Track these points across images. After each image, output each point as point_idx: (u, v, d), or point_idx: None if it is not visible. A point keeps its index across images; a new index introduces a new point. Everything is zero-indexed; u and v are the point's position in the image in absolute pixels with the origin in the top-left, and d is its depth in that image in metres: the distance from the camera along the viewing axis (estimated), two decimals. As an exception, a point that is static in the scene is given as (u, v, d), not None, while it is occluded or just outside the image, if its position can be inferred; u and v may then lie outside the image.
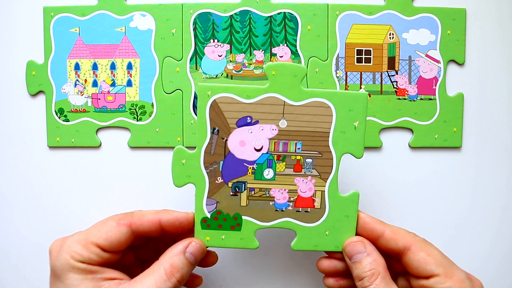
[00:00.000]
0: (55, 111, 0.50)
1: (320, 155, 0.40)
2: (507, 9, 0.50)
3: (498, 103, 0.51)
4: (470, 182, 0.51)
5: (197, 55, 0.50)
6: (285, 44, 0.49)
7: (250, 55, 0.50)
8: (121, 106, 0.50)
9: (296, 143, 0.40)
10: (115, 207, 0.50)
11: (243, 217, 0.40)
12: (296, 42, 0.49)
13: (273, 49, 0.50)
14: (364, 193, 0.50)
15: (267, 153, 0.40)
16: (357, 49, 0.50)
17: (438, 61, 0.50)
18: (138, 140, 0.50)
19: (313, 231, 0.40)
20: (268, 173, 0.40)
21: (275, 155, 0.40)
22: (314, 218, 0.40)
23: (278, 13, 0.49)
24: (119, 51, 0.50)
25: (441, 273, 0.37)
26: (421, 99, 0.50)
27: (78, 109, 0.50)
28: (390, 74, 0.50)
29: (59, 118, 0.50)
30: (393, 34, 0.50)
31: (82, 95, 0.50)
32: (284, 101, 0.39)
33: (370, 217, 0.40)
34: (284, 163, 0.40)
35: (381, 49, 0.50)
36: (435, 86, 0.50)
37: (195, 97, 0.50)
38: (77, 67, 0.50)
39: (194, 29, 0.49)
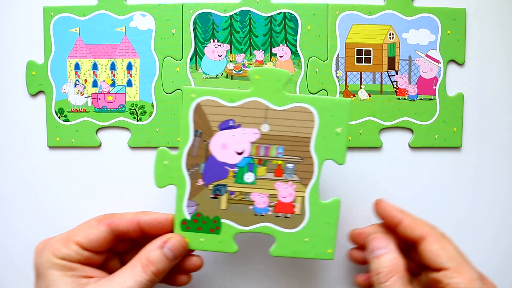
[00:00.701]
0: (55, 111, 0.50)
1: (302, 160, 0.40)
2: (507, 9, 0.50)
3: (498, 103, 0.51)
4: (470, 182, 0.51)
5: (197, 55, 0.50)
6: (285, 44, 0.49)
7: (250, 55, 0.50)
8: (121, 106, 0.50)
9: (277, 148, 0.40)
10: (115, 207, 0.50)
11: (223, 221, 0.40)
12: (296, 42, 0.49)
13: (273, 49, 0.50)
14: (364, 192, 0.50)
15: (248, 157, 0.40)
16: (357, 49, 0.50)
17: (438, 61, 0.50)
18: (138, 140, 0.50)
19: (292, 237, 0.40)
20: (249, 177, 0.40)
21: (256, 159, 0.40)
22: (293, 224, 0.40)
23: (278, 13, 0.49)
24: (119, 51, 0.50)
25: (451, 267, 0.36)
26: (421, 99, 0.50)
27: (78, 109, 0.50)
28: (390, 74, 0.50)
29: (59, 118, 0.50)
30: (393, 34, 0.50)
31: (82, 95, 0.50)
32: (267, 106, 0.39)
33: (390, 205, 0.41)
34: (265, 167, 0.40)
35: (381, 49, 0.50)
36: (435, 86, 0.50)
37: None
38: (77, 67, 0.50)
39: (194, 29, 0.49)
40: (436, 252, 0.37)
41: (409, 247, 0.40)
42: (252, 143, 0.40)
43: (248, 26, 0.49)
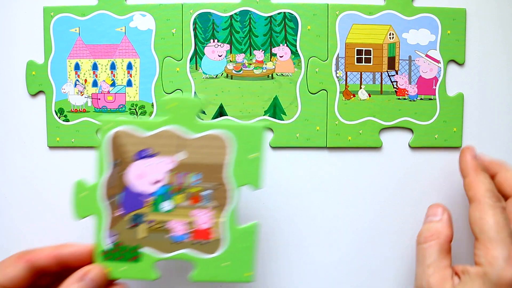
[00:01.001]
0: (55, 111, 0.50)
1: (219, 186, 0.40)
2: (507, 9, 0.50)
3: (498, 103, 0.51)
4: (470, 182, 0.51)
5: (197, 55, 0.50)
6: (285, 44, 0.49)
7: (250, 55, 0.50)
8: (121, 106, 0.50)
9: (194, 175, 0.40)
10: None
11: (143, 249, 0.40)
12: (296, 42, 0.49)
13: (273, 49, 0.50)
14: (364, 192, 0.51)
15: (165, 185, 0.40)
16: (357, 49, 0.50)
17: (438, 61, 0.50)
18: (138, 140, 0.50)
19: (211, 262, 0.40)
20: (166, 205, 0.40)
21: (174, 187, 0.40)
22: (212, 249, 0.40)
23: (278, 13, 0.49)
24: (119, 51, 0.50)
25: (481, 239, 0.38)
26: (421, 99, 0.50)
27: (78, 109, 0.50)
28: (390, 74, 0.50)
29: (59, 118, 0.50)
30: (393, 34, 0.50)
31: (82, 95, 0.50)
32: (183, 134, 0.39)
33: (466, 159, 0.44)
34: (183, 195, 0.40)
35: (381, 49, 0.50)
36: (435, 86, 0.50)
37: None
38: (77, 67, 0.50)
39: (194, 29, 0.49)
40: (474, 220, 0.39)
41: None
42: (169, 171, 0.40)
43: (248, 26, 0.49)
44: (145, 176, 0.40)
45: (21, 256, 0.38)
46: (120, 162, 0.40)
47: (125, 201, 0.40)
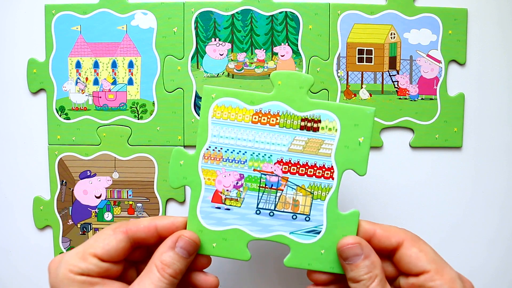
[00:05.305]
0: (56, 109, 0.50)
1: (148, 200, 0.48)
2: (508, 9, 0.50)
3: (498, 103, 0.51)
4: (470, 182, 0.51)
5: (199, 54, 0.49)
6: (287, 43, 0.49)
7: (252, 54, 0.50)
8: (122, 104, 0.50)
9: (127, 191, 0.49)
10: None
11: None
12: (297, 41, 0.49)
13: (274, 48, 0.50)
14: (364, 191, 0.51)
15: (105, 199, 0.49)
16: (358, 49, 0.50)
17: (439, 61, 0.50)
18: (139, 138, 0.50)
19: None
20: (108, 216, 0.49)
21: (112, 201, 0.49)
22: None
23: (280, 12, 0.49)
24: (121, 50, 0.49)
25: (432, 269, 0.35)
26: (422, 99, 0.50)
27: (79, 107, 0.50)
28: (391, 74, 0.50)
29: (60, 116, 0.50)
30: (394, 34, 0.50)
31: (83, 93, 0.50)
32: (115, 157, 0.49)
33: (360, 220, 0.38)
34: (120, 207, 0.49)
35: (383, 48, 0.50)
36: (436, 86, 0.50)
37: (196, 96, 0.50)
38: (78, 65, 0.50)
39: (196, 27, 0.49)
40: (416, 255, 0.36)
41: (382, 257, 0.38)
42: (107, 188, 0.49)
43: (250, 25, 0.49)
44: (88, 192, 0.49)
45: (118, 227, 0.37)
46: (68, 181, 0.49)
47: (74, 213, 0.49)
